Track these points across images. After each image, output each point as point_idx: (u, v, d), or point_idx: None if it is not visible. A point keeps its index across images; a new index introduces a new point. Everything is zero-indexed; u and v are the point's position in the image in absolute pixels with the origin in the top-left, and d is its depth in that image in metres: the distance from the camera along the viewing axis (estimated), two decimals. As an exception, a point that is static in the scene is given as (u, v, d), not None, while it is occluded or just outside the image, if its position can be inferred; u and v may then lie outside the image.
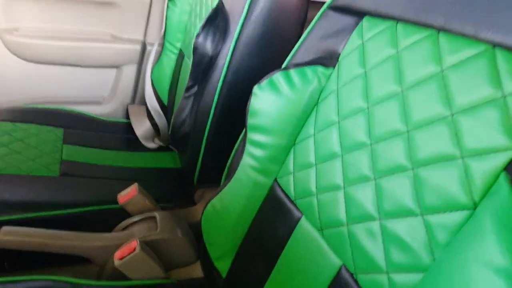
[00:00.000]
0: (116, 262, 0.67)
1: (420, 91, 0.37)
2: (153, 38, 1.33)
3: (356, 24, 0.50)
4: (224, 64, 0.81)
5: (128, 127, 1.24)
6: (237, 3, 0.81)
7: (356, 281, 0.38)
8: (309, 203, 0.47)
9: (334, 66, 0.51)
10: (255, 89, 0.54)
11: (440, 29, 0.37)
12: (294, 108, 0.52)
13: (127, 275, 0.68)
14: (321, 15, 0.58)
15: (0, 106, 1.23)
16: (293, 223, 0.49)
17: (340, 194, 0.43)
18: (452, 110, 0.33)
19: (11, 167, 0.86)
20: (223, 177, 0.69)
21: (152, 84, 1.24)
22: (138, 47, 1.32)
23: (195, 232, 0.81)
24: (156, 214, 0.79)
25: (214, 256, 0.63)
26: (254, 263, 0.55)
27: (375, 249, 0.37)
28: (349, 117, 0.45)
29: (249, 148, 0.56)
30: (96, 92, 1.36)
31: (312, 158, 0.49)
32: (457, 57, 0.35)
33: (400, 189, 0.36)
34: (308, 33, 0.60)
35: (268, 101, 0.53)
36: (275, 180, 0.55)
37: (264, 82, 0.54)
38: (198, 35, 0.84)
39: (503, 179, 0.28)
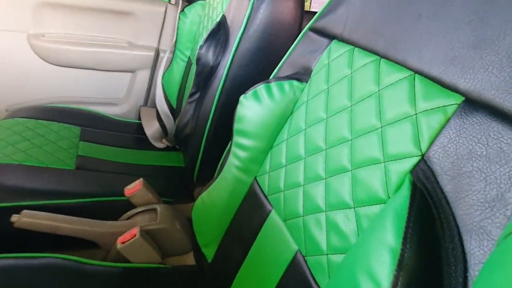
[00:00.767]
0: (119, 246, 0.76)
1: (363, 106, 0.45)
2: (166, 45, 1.44)
3: (327, 46, 0.58)
4: (223, 73, 0.90)
5: (139, 127, 1.34)
6: (237, 18, 0.90)
7: (306, 262, 0.46)
8: (278, 198, 0.55)
9: (307, 81, 0.59)
10: (241, 98, 0.63)
11: (382, 56, 0.45)
12: (273, 116, 0.60)
13: (128, 258, 0.77)
14: (303, 35, 0.66)
15: (26, 104, 1.36)
16: (265, 215, 0.57)
17: (300, 191, 0.50)
18: (382, 122, 0.41)
19: (33, 159, 0.97)
20: (216, 174, 0.77)
21: (163, 88, 1.34)
22: (152, 54, 1.42)
23: (192, 225, 0.89)
24: (157, 207, 0.88)
25: (202, 243, 0.71)
26: (233, 249, 0.63)
27: (320, 236, 0.44)
28: (312, 126, 0.53)
29: (234, 149, 0.64)
30: (113, 94, 1.47)
31: (283, 160, 0.57)
32: (390, 79, 0.42)
33: (342, 187, 0.44)
34: (292, 50, 0.68)
35: (251, 109, 0.61)
36: (255, 178, 0.63)
37: (249, 92, 0.62)
38: (201, 47, 0.93)
39: (407, 180, 0.35)
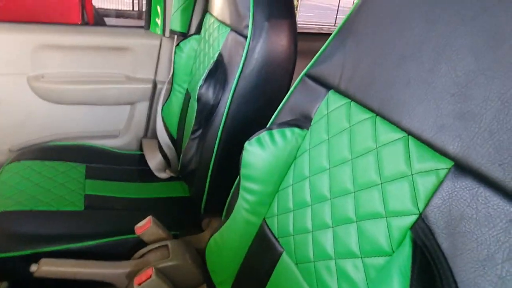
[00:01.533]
0: (136, 287, 0.79)
1: (363, 161, 0.49)
2: (163, 77, 1.48)
3: (325, 95, 0.62)
4: (224, 111, 0.94)
5: (141, 159, 1.37)
6: (234, 58, 0.95)
7: None
8: (288, 241, 0.59)
9: (308, 128, 0.63)
10: (246, 144, 0.67)
11: (377, 113, 0.50)
12: (277, 162, 0.64)
13: (145, 297, 0.81)
14: (300, 80, 0.71)
15: (29, 142, 1.39)
16: (277, 256, 0.61)
17: (309, 237, 0.55)
18: (382, 179, 0.45)
19: (44, 204, 1.00)
20: (223, 213, 0.81)
21: (163, 120, 1.38)
22: (149, 86, 1.46)
23: (203, 256, 0.93)
24: (169, 243, 0.92)
25: (216, 282, 0.75)
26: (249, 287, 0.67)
27: (332, 282, 0.49)
28: (316, 174, 0.57)
29: (242, 193, 0.68)
30: (113, 127, 1.50)
31: (290, 204, 0.61)
32: (387, 138, 0.47)
33: (348, 237, 0.48)
34: (290, 95, 0.72)
35: (256, 156, 0.65)
36: (264, 219, 0.67)
37: (253, 139, 0.67)
38: (201, 87, 0.97)
39: (408, 237, 0.40)
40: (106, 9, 7.50)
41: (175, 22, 1.33)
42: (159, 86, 1.47)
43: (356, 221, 0.47)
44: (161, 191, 1.22)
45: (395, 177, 0.44)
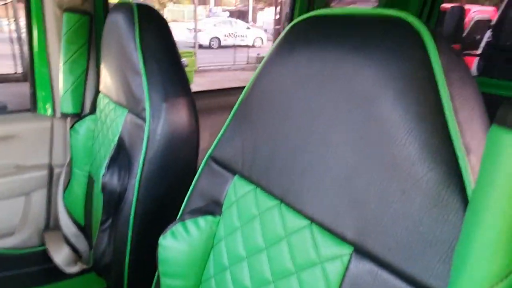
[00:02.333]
0: None
1: (277, 249, 0.51)
2: (60, 159, 1.37)
3: (231, 179, 0.64)
4: (132, 198, 0.90)
5: (44, 255, 1.23)
6: (136, 142, 0.93)
7: None
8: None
9: (220, 214, 0.64)
10: (161, 240, 0.65)
11: (281, 200, 0.53)
12: (195, 253, 0.64)
13: None
14: (205, 163, 0.72)
15: None
16: None
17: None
18: (296, 267, 0.48)
19: None
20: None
21: (66, 208, 1.27)
22: (45, 172, 1.34)
23: None
24: None
25: None
26: None
27: None
28: (235, 264, 0.57)
29: (164, 290, 0.65)
30: (6, 224, 1.33)
31: (215, 297, 0.60)
32: (294, 226, 0.50)
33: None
34: (197, 179, 0.73)
35: (172, 250, 0.64)
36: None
37: (167, 233, 0.65)
38: (104, 175, 0.92)
39: None
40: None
41: (66, 104, 1.26)
42: (56, 170, 1.36)
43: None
44: (73, 288, 1.11)
45: (307, 265, 0.47)
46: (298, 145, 0.52)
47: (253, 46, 13.29)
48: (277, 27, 10.43)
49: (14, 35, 4.87)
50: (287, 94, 0.55)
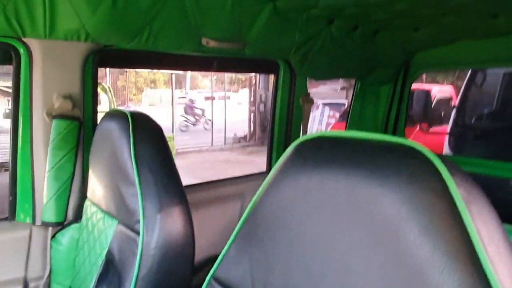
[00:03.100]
0: None
1: None
2: (36, 272, 1.26)
3: None
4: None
5: None
6: (127, 257, 0.87)
7: None
8: None
9: None
10: None
11: None
12: None
13: None
14: (207, 284, 0.66)
15: None
16: None
17: None
18: None
19: None
20: None
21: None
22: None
23: None
24: None
25: None
26: None
27: None
28: None
29: None
30: None
31: None
32: None
33: None
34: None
35: None
36: None
37: None
38: (92, 297, 0.84)
39: None
40: None
41: (48, 212, 1.19)
42: (31, 285, 1.24)
43: None
44: None
45: None
46: (316, 272, 0.49)
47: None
48: (252, 108, 10.86)
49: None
50: (299, 216, 0.54)
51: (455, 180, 0.43)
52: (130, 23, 1.20)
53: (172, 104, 10.55)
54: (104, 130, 1.03)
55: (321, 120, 8.32)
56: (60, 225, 1.20)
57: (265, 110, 10.52)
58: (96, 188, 1.07)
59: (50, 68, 1.16)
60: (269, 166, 1.96)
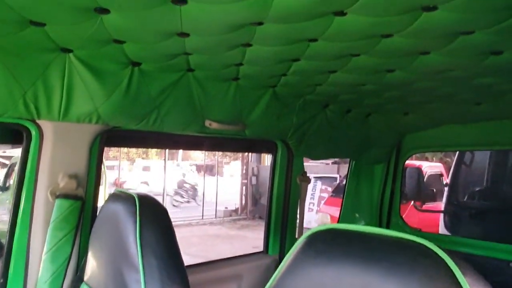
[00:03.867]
0: None
1: None
2: None
3: None
4: None
5: None
6: None
7: None
8: None
9: None
10: None
11: None
12: None
13: None
14: None
15: None
16: None
17: None
18: None
19: None
20: None
21: None
22: None
23: None
24: None
25: None
26: None
27: None
28: None
29: None
30: None
31: None
32: None
33: None
34: None
35: None
36: None
37: None
38: None
39: None
40: None
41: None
42: None
43: None
44: None
45: None
46: None
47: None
48: (244, 181, 10.87)
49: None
50: None
51: (467, 280, 0.44)
52: (140, 107, 1.27)
53: (164, 180, 10.49)
54: (109, 211, 1.03)
55: (313, 194, 8.30)
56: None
57: (257, 183, 10.53)
58: (95, 271, 1.04)
59: (60, 148, 1.19)
60: (266, 246, 1.92)
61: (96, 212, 1.30)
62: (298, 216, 1.98)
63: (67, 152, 1.21)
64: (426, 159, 8.52)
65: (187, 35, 0.94)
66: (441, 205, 3.34)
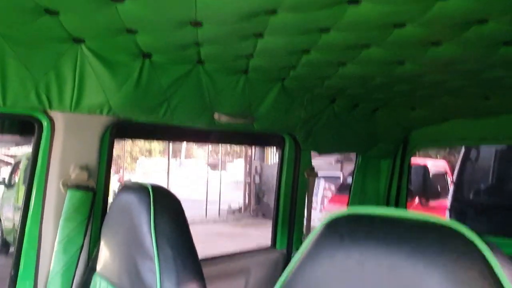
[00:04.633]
0: None
1: None
2: None
3: None
4: None
5: None
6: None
7: None
8: None
9: None
10: None
11: None
12: None
13: None
14: None
15: None
16: None
17: None
18: None
19: None
20: None
21: None
22: None
23: None
24: None
25: None
26: None
27: None
28: None
29: None
30: None
31: None
32: None
33: None
34: None
35: None
36: None
37: None
38: None
39: None
40: None
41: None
42: None
43: None
44: None
45: None
46: None
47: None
48: (247, 179, 10.87)
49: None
50: None
51: (499, 262, 0.44)
52: (151, 99, 1.27)
53: (168, 174, 10.54)
54: (122, 202, 1.03)
55: (316, 193, 8.31)
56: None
57: (261, 182, 10.53)
58: (108, 261, 1.04)
59: (71, 140, 1.20)
60: (274, 240, 1.92)
61: (107, 203, 1.30)
62: (306, 210, 1.98)
63: (78, 144, 1.22)
64: (430, 157, 8.49)
65: (200, 24, 0.95)
66: (447, 202, 3.33)
